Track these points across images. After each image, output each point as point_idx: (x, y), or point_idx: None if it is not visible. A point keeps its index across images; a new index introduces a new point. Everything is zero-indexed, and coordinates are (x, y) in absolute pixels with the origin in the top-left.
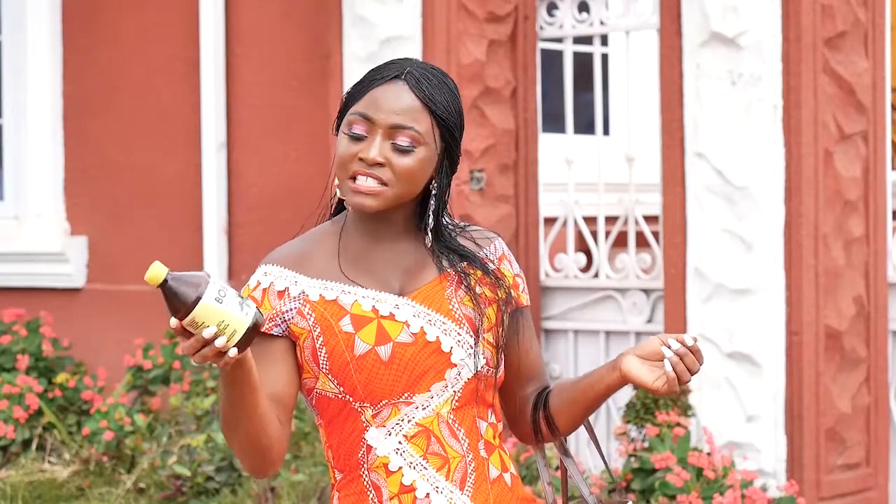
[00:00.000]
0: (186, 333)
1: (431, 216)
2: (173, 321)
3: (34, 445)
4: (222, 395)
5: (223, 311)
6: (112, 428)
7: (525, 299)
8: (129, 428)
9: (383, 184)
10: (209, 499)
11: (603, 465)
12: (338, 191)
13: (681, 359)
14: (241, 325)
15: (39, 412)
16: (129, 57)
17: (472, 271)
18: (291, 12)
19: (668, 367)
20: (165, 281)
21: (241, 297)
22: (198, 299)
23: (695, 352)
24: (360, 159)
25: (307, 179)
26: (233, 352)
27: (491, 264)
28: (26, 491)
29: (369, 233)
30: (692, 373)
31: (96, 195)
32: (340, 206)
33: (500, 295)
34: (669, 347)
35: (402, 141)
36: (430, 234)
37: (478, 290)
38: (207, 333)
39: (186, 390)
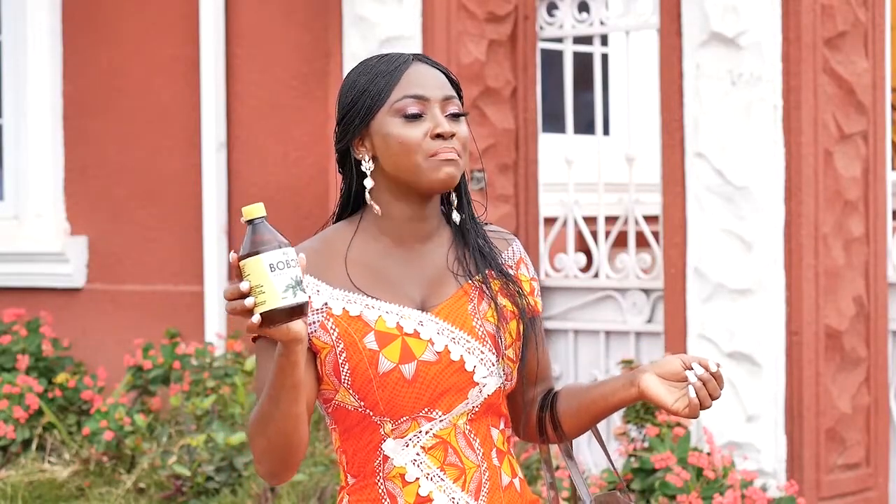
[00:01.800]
0: (238, 275)
1: (456, 196)
2: (232, 255)
3: (34, 445)
4: (267, 387)
5: (267, 278)
6: (112, 428)
7: (540, 305)
8: (129, 428)
9: (458, 155)
10: (209, 499)
11: (603, 466)
12: (416, 173)
13: (704, 384)
14: (271, 300)
15: (39, 412)
16: (129, 57)
17: (493, 282)
18: (291, 12)
19: (692, 393)
20: (252, 221)
21: (299, 285)
22: (253, 254)
23: (717, 377)
24: (438, 135)
25: (307, 179)
26: (256, 318)
27: (511, 270)
28: (26, 491)
29: (394, 235)
30: (714, 398)
31: (96, 195)
32: (345, 207)
33: (521, 306)
34: (692, 370)
35: (454, 109)
36: (459, 214)
37: (500, 301)
38: (243, 286)
39: (186, 390)
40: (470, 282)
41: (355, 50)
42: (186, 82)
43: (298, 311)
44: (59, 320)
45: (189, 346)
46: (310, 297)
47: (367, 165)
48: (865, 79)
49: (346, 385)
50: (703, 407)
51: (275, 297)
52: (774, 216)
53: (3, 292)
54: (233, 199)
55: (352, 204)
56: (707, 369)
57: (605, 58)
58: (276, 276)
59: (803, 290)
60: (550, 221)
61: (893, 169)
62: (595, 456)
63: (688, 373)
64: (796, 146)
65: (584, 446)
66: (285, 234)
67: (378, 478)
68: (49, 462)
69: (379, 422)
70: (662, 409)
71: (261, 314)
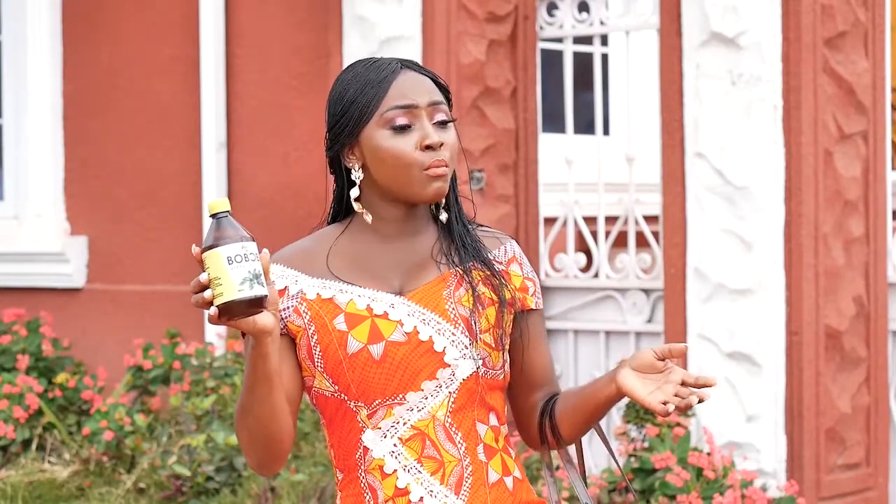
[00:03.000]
0: (201, 267)
1: (451, 197)
2: (194, 248)
3: (34, 445)
4: (244, 378)
5: (224, 271)
6: (112, 428)
7: (534, 302)
8: (129, 428)
9: (446, 165)
10: (209, 499)
11: (603, 466)
12: (405, 186)
13: (678, 393)
14: (229, 292)
15: (39, 412)
16: (129, 57)
17: (476, 270)
18: (291, 12)
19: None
20: (217, 215)
21: (257, 278)
22: (213, 247)
23: (698, 386)
24: (428, 146)
25: (307, 179)
26: (213, 310)
27: (498, 265)
28: (26, 491)
29: (383, 232)
30: (689, 406)
31: (96, 195)
32: (338, 211)
33: (502, 296)
34: (663, 360)
35: (442, 116)
36: (447, 213)
37: (479, 289)
38: (202, 278)
39: (186, 390)
40: (451, 270)
41: (355, 50)
42: (186, 82)
43: (256, 303)
44: (59, 320)
45: (189, 346)
46: (286, 287)
47: (356, 174)
48: (865, 79)
49: (319, 368)
50: (682, 409)
51: (231, 289)
52: (774, 216)
53: (3, 292)
54: (233, 199)
55: (345, 205)
56: (685, 381)
57: (605, 58)
58: (234, 269)
59: (803, 290)
60: (550, 221)
61: (893, 169)
62: (596, 457)
63: (669, 370)
64: (796, 146)
65: (584, 446)
66: (286, 234)
67: (360, 471)
68: (49, 462)
69: (354, 408)
70: (636, 402)
71: (218, 306)
